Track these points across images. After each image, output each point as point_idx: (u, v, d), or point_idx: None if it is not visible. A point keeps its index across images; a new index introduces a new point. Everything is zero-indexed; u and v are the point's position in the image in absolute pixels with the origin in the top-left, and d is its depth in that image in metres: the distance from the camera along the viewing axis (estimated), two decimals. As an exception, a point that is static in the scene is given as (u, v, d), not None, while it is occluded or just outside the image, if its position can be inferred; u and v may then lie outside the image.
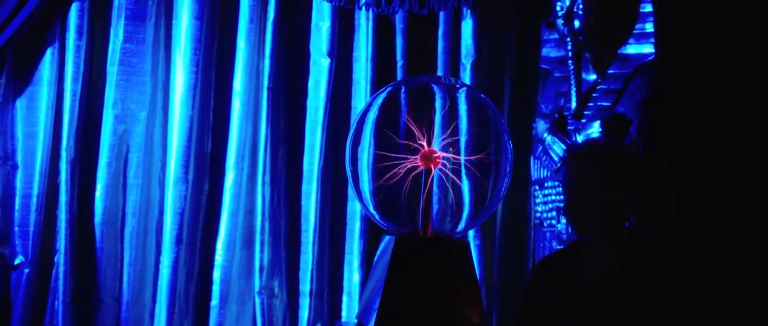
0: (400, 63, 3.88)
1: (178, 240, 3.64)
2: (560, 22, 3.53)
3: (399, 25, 3.89)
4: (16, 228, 3.59)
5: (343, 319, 3.82)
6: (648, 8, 3.46)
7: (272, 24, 3.79)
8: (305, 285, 3.79)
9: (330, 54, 3.83)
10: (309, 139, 3.85)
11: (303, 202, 3.84)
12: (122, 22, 3.69)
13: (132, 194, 3.70)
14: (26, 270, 3.56)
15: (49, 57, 3.65)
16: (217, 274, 3.72)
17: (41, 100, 3.64)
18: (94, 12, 3.68)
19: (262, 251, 3.75)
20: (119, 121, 3.68)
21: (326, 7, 3.82)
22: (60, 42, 3.65)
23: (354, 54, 3.91)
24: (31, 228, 3.58)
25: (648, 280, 2.34)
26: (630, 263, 2.38)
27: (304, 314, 3.79)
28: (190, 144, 3.69)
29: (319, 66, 3.85)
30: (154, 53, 3.76)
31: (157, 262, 3.68)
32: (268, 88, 3.78)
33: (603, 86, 3.49)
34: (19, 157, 3.62)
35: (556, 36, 3.65)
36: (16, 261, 3.57)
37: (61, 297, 3.55)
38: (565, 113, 3.55)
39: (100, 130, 3.68)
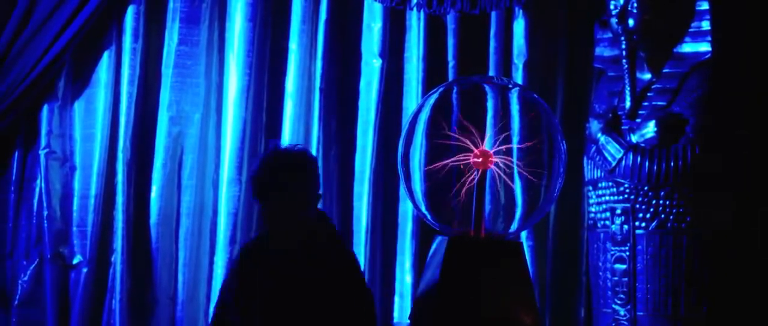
0: (451, 63, 3.87)
1: (232, 241, 3.68)
2: (614, 20, 3.49)
3: (450, 26, 3.88)
4: (75, 228, 3.66)
5: (396, 320, 3.82)
6: (704, 6, 3.41)
7: (324, 25, 3.81)
8: (357, 286, 3.79)
9: (381, 55, 3.84)
10: (361, 139, 3.86)
11: (355, 203, 3.85)
12: (177, 24, 3.74)
13: (186, 195, 3.75)
14: (84, 270, 3.63)
15: (105, 60, 3.71)
16: (270, 274, 3.74)
17: (98, 102, 3.71)
18: (149, 15, 3.74)
19: (314, 251, 3.76)
20: (174, 123, 3.73)
21: (378, 8, 3.82)
22: (116, 45, 3.71)
23: (405, 54, 3.91)
24: (89, 229, 3.64)
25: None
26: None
27: (356, 314, 3.79)
28: (243, 145, 3.73)
29: (371, 66, 3.85)
30: (207, 55, 3.80)
31: (211, 262, 3.72)
32: (320, 89, 3.79)
33: (658, 85, 3.45)
34: (77, 159, 3.69)
35: (609, 35, 3.61)
36: (75, 261, 3.64)
37: (117, 296, 3.61)
38: (619, 113, 3.51)
39: (155, 132, 3.73)
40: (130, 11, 3.69)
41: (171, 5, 3.76)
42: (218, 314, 2.73)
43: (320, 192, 2.73)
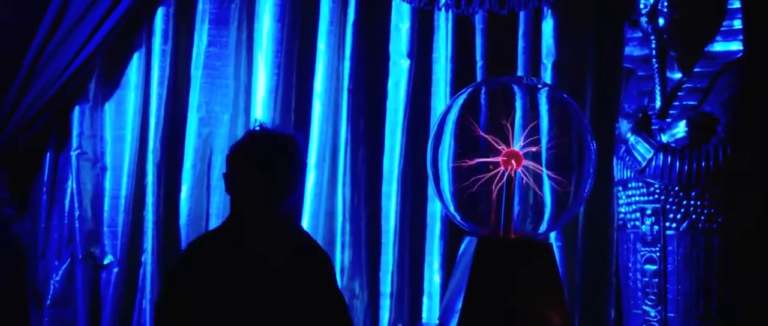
0: (479, 63, 3.85)
1: (261, 241, 3.68)
2: (644, 19, 3.47)
3: (478, 26, 3.86)
4: (106, 229, 3.68)
5: (424, 321, 3.82)
6: (736, 4, 3.38)
7: (352, 26, 3.81)
8: (386, 287, 3.80)
9: (409, 55, 3.84)
10: (389, 140, 3.86)
11: (383, 203, 3.85)
12: (206, 26, 3.76)
13: (216, 196, 3.77)
14: (115, 270, 3.66)
15: (135, 61, 3.74)
16: (298, 275, 3.74)
17: (129, 103, 3.73)
18: (179, 17, 3.76)
19: (342, 252, 3.77)
20: (203, 124, 3.75)
21: (406, 9, 3.82)
22: (146, 47, 3.74)
23: (433, 55, 3.91)
24: (120, 229, 3.67)
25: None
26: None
27: (384, 315, 3.80)
28: (272, 146, 3.73)
29: (399, 67, 3.85)
30: (236, 56, 3.82)
31: (239, 262, 3.73)
32: (348, 90, 3.80)
33: (689, 85, 3.42)
34: (108, 159, 3.72)
35: (639, 34, 3.59)
36: (106, 261, 3.67)
37: (148, 296, 3.64)
38: (649, 113, 3.49)
39: (185, 133, 3.75)
40: (160, 13, 3.71)
41: (200, 7, 3.78)
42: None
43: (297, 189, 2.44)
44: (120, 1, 3.57)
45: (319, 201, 3.78)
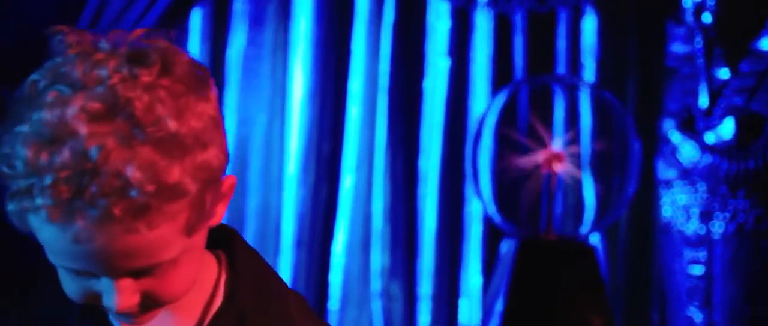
0: (519, 63, 3.81)
1: (299, 243, 3.68)
2: (689, 16, 3.41)
3: (518, 24, 3.82)
4: (147, 231, 3.67)
5: (463, 322, 3.78)
6: (785, 0, 3.31)
7: (389, 26, 3.79)
8: (423, 288, 3.77)
9: (447, 55, 3.80)
10: (426, 140, 3.82)
11: (421, 205, 3.82)
12: (242, 26, 3.74)
13: (252, 197, 3.75)
14: (153, 272, 3.64)
15: (172, 62, 3.73)
16: (336, 277, 3.73)
17: (165, 105, 3.72)
18: (215, 17, 3.75)
19: (381, 254, 3.74)
20: (240, 125, 3.74)
21: (444, 8, 3.79)
22: (182, 47, 3.72)
23: (472, 54, 3.86)
24: (156, 230, 3.66)
25: None
26: None
27: (422, 317, 3.77)
28: (308, 147, 3.72)
29: (437, 67, 3.82)
30: (273, 57, 3.80)
31: (275, 265, 3.72)
32: (386, 90, 3.77)
33: (735, 83, 3.36)
34: (145, 161, 3.71)
35: (683, 31, 3.53)
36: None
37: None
38: (694, 112, 3.43)
39: (221, 134, 3.73)
40: (196, 13, 3.70)
41: (236, 7, 3.76)
42: None
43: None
44: (156, 1, 3.57)
45: (357, 203, 3.76)
